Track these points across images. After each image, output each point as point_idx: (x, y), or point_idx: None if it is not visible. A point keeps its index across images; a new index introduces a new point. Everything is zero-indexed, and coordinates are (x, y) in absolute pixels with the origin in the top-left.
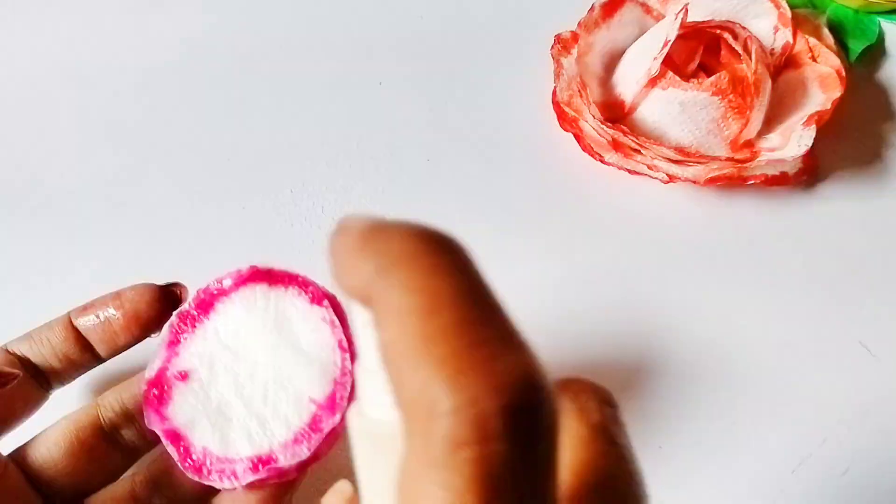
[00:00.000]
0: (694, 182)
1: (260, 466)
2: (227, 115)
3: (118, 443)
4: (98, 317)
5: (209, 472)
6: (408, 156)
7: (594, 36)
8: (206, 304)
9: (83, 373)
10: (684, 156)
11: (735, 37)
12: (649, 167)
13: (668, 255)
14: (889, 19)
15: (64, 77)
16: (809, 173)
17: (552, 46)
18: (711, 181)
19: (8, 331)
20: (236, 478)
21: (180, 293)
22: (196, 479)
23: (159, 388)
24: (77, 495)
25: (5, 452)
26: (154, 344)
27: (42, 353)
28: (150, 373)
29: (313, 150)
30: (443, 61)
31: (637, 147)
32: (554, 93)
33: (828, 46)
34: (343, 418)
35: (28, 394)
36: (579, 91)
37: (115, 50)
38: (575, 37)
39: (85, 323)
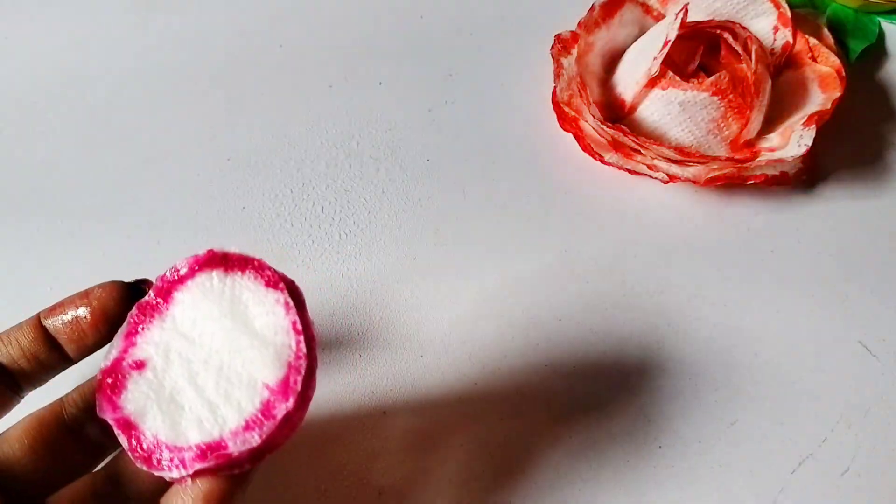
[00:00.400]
0: (694, 182)
1: (208, 454)
2: (227, 115)
3: (83, 440)
4: (66, 316)
5: (159, 462)
6: (408, 156)
7: (594, 36)
8: (165, 291)
9: (54, 375)
10: (684, 156)
11: (735, 37)
12: (649, 167)
13: (668, 255)
14: (889, 19)
15: (64, 77)
16: (809, 173)
17: (552, 46)
18: (711, 181)
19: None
20: (184, 466)
21: (148, 290)
22: (146, 468)
23: (113, 378)
24: (40, 492)
25: None
26: None
27: (11, 353)
28: (105, 362)
29: (313, 150)
30: (443, 61)
31: (637, 147)
32: (554, 93)
33: (828, 46)
34: (297, 405)
35: None
36: (579, 91)
37: (115, 50)
38: (575, 37)
39: (54, 322)
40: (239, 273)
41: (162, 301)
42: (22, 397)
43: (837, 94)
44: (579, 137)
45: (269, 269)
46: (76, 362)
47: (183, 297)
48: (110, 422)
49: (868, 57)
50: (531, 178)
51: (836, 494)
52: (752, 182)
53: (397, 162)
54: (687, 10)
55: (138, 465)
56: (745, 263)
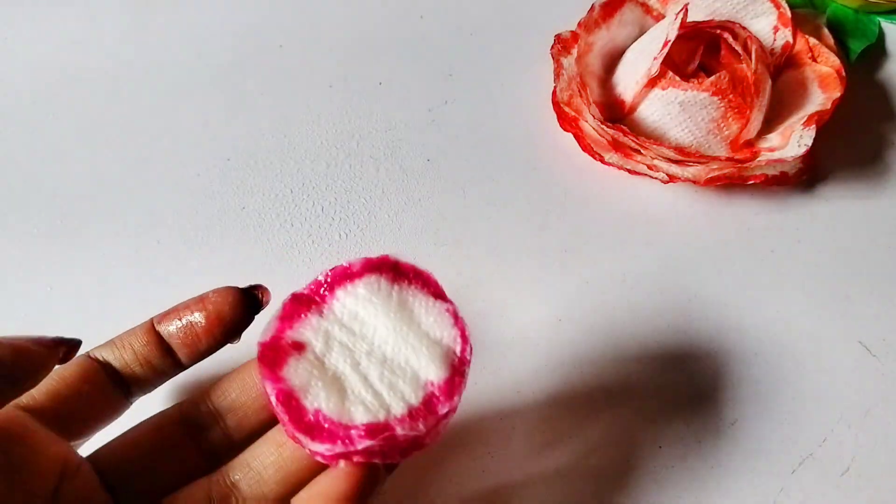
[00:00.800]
0: (694, 182)
1: (376, 433)
2: (227, 115)
3: (200, 444)
4: (181, 321)
5: (322, 434)
6: (408, 156)
7: (594, 36)
8: (329, 286)
9: (165, 380)
10: (684, 156)
11: (735, 37)
12: (649, 167)
13: (668, 255)
14: (889, 19)
15: (64, 77)
16: (809, 173)
17: (552, 46)
18: (711, 181)
19: (5, 330)
20: (350, 442)
21: (262, 296)
22: (306, 441)
23: (273, 352)
24: (155, 495)
25: (84, 454)
26: (233, 349)
27: (124, 358)
28: (263, 338)
29: (313, 150)
30: (443, 61)
31: (637, 147)
32: (554, 93)
33: (828, 46)
34: (455, 407)
35: (108, 399)
36: (579, 91)
37: (115, 50)
38: (575, 37)
39: (167, 328)
40: (406, 282)
41: (328, 293)
42: (131, 403)
43: (837, 94)
44: (579, 137)
45: (437, 284)
46: (187, 368)
47: (347, 293)
48: (271, 393)
49: (868, 57)
50: (531, 178)
51: (836, 494)
52: (752, 182)
53: (397, 162)
54: (687, 10)
55: (297, 437)
56: (745, 263)
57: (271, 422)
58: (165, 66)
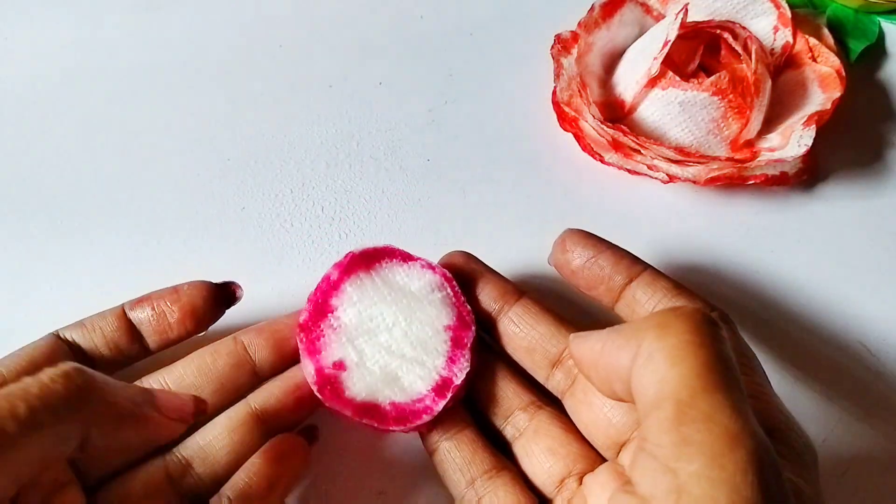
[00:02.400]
0: (694, 182)
1: (445, 392)
2: (227, 115)
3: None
4: (154, 309)
5: (408, 421)
6: (408, 156)
7: (594, 36)
8: (323, 301)
9: (130, 364)
10: (684, 156)
11: (735, 37)
12: (649, 167)
13: (668, 255)
14: (889, 19)
15: (64, 77)
16: (809, 173)
17: (552, 46)
18: (711, 181)
19: (5, 329)
20: (431, 412)
21: (234, 291)
22: (403, 430)
23: (327, 383)
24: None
25: None
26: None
27: (94, 341)
28: (310, 378)
29: (313, 150)
30: (443, 61)
31: (637, 147)
32: (554, 93)
33: (828, 46)
34: (474, 333)
35: None
36: (579, 91)
37: (115, 50)
38: (575, 37)
39: (139, 315)
40: (377, 263)
41: (325, 311)
42: None
43: (837, 94)
44: (579, 137)
45: (399, 250)
46: (153, 354)
47: (341, 302)
48: (350, 416)
49: (868, 57)
50: (531, 178)
51: (836, 494)
52: (752, 182)
53: (397, 162)
54: (687, 10)
55: (398, 431)
56: (745, 263)
57: (227, 402)
58: (165, 65)
